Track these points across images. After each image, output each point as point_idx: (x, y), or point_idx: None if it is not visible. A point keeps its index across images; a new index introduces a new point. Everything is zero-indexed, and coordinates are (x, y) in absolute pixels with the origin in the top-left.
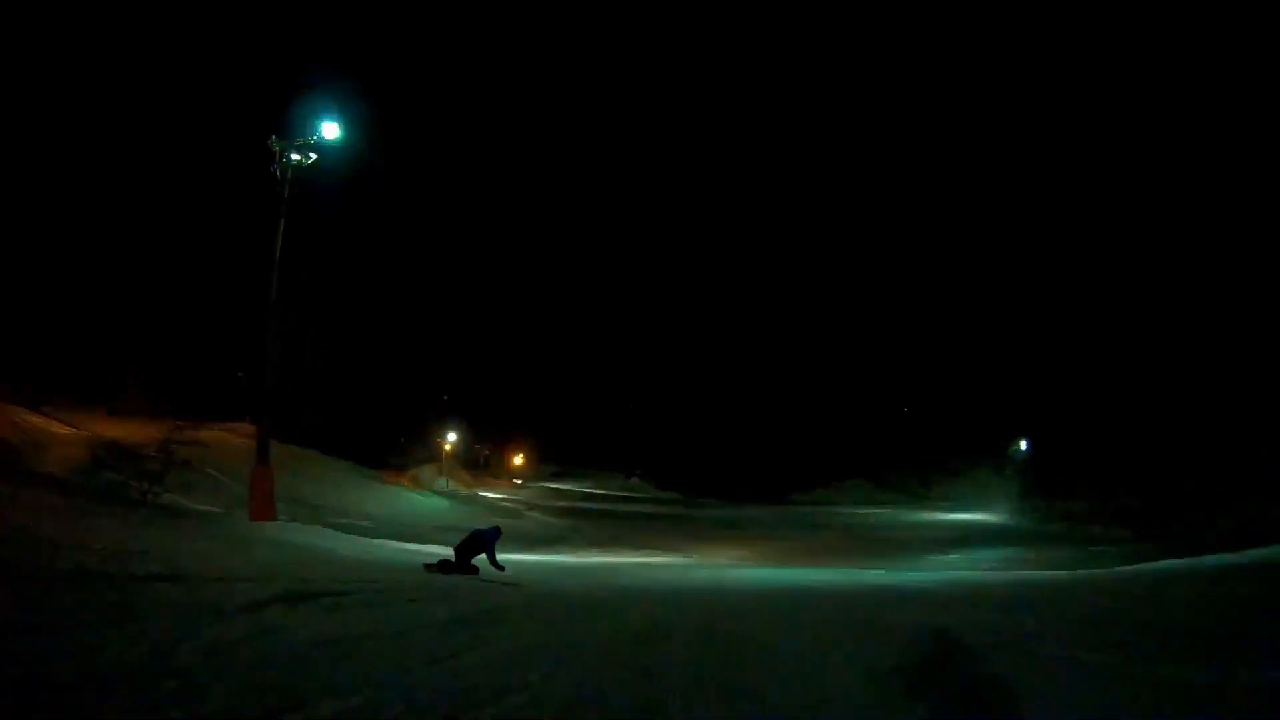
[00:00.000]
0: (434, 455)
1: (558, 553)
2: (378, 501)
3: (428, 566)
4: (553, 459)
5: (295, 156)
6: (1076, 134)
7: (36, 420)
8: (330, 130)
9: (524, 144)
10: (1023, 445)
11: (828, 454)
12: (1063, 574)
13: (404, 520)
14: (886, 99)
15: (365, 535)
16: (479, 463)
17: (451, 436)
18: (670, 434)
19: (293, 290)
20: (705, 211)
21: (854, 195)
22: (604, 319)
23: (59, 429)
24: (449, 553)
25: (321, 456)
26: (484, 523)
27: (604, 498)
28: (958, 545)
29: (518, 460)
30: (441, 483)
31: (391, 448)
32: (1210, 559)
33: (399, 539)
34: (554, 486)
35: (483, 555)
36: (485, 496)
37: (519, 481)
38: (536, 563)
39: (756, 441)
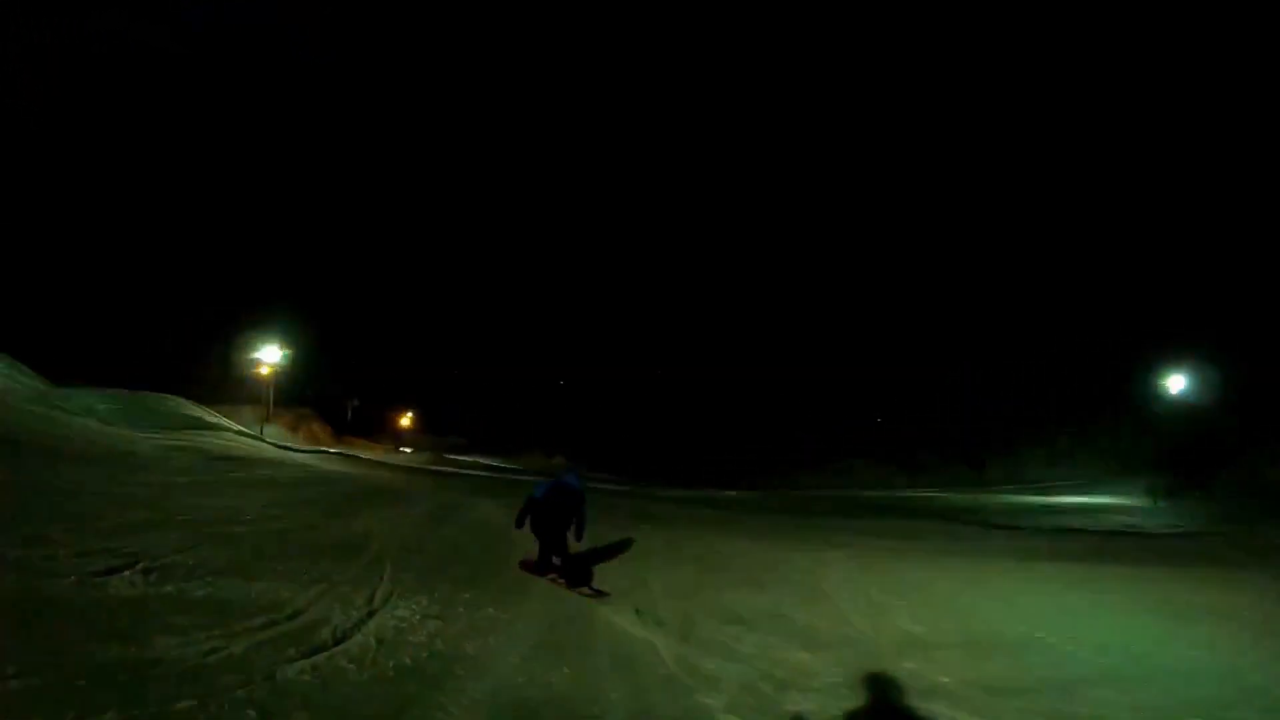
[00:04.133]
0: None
1: None
2: None
3: None
4: (466, 435)
5: None
6: None
7: None
8: None
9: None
10: (1172, 385)
11: (826, 430)
12: None
13: None
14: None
15: None
16: (346, 416)
17: (271, 356)
18: (607, 410)
19: None
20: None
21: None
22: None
23: None
24: None
25: None
26: None
27: (505, 470)
28: None
29: (404, 422)
30: (260, 430)
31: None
32: None
33: None
34: (450, 456)
35: None
36: (266, 445)
37: (408, 450)
38: None
39: (722, 414)
